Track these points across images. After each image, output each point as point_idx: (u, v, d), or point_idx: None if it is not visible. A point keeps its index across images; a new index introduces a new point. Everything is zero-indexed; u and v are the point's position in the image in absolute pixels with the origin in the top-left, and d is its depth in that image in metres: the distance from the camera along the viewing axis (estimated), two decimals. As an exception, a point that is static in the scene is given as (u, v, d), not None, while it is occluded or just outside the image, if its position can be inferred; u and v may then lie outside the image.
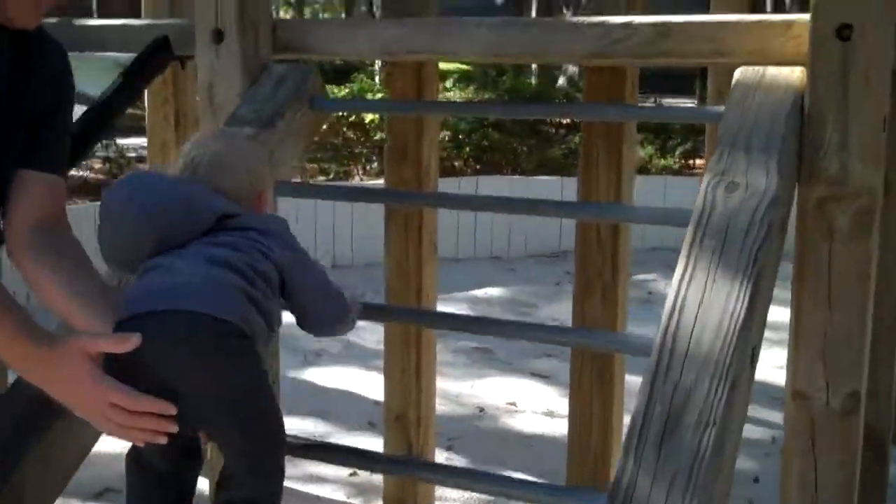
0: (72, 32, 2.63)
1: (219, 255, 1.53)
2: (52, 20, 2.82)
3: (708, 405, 1.45)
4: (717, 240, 1.68)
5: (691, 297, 1.61)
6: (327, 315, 1.71)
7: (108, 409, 1.44)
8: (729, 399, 1.45)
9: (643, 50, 2.11)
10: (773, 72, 1.99)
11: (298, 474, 3.81)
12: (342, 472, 3.84)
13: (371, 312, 1.90)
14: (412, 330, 3.23)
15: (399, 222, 3.16)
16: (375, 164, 9.49)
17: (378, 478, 3.55)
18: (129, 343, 1.42)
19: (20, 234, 1.58)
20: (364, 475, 3.77)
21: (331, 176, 9.25)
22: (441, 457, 3.98)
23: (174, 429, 1.46)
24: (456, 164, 9.51)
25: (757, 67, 2.00)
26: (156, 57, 2.42)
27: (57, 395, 1.50)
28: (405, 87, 3.11)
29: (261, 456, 1.53)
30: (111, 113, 2.20)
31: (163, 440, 1.47)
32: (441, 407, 4.60)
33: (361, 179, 9.22)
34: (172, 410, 1.44)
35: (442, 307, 6.36)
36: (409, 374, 3.25)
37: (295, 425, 4.30)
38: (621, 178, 2.90)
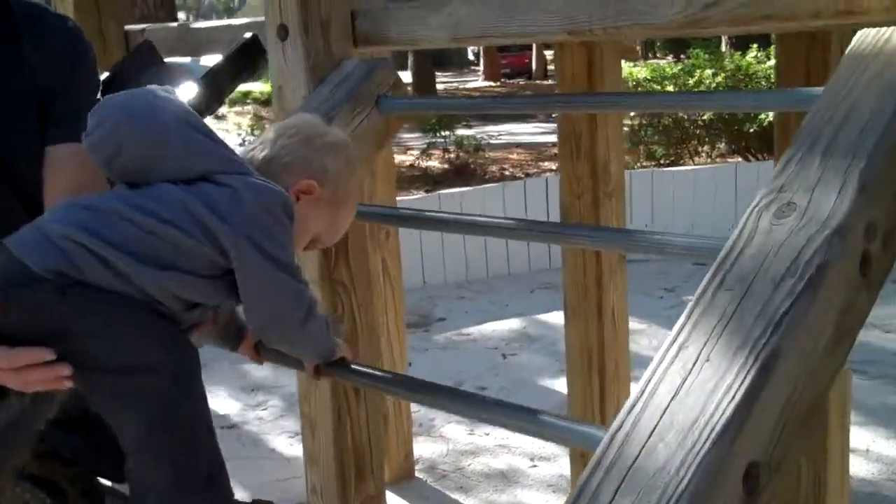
0: (186, 37, 2.53)
1: (110, 204, 1.31)
2: (173, 25, 2.75)
3: (628, 560, 0.95)
4: (734, 292, 1.14)
5: (669, 380, 1.09)
6: (263, 314, 1.35)
7: None
8: (665, 554, 0.95)
9: (743, 14, 1.53)
10: (906, 32, 1.35)
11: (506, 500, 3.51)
12: None
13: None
14: (594, 352, 2.80)
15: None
16: (707, 146, 8.78)
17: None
18: None
19: None
20: None
21: (660, 160, 8.69)
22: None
23: (66, 371, 1.26)
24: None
25: (882, 29, 1.36)
26: (238, 59, 2.22)
27: None
28: (575, 73, 2.68)
29: None
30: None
31: (67, 385, 1.28)
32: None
33: (694, 163, 8.55)
34: (48, 355, 1.25)
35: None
36: (590, 404, 2.82)
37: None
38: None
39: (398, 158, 11.70)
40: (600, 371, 2.80)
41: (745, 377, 1.05)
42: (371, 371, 1.57)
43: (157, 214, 1.28)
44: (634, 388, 1.11)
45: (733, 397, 1.04)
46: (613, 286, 2.76)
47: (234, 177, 1.33)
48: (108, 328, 1.27)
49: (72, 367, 1.27)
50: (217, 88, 2.25)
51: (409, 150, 11.40)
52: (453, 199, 6.34)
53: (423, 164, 10.59)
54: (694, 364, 1.09)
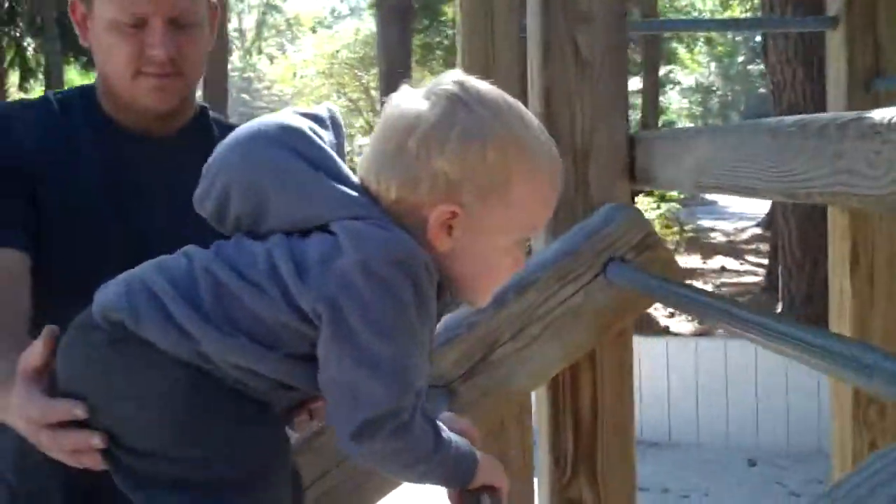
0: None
1: (203, 256, 1.05)
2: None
3: None
4: None
5: None
6: (335, 412, 0.99)
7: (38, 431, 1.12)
8: None
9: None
10: None
11: None
12: None
13: None
14: None
15: None
16: None
17: None
18: (47, 340, 1.08)
19: None
20: None
21: None
22: None
23: (97, 442, 1.02)
24: None
25: None
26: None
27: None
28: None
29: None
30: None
31: (93, 464, 1.05)
32: None
33: None
34: (80, 412, 1.02)
35: None
36: None
37: None
38: None
39: None
40: None
41: None
42: None
43: (238, 269, 1.00)
44: None
45: None
46: None
47: (346, 223, 0.98)
48: (148, 401, 1.02)
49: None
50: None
51: None
52: None
53: None
54: None
